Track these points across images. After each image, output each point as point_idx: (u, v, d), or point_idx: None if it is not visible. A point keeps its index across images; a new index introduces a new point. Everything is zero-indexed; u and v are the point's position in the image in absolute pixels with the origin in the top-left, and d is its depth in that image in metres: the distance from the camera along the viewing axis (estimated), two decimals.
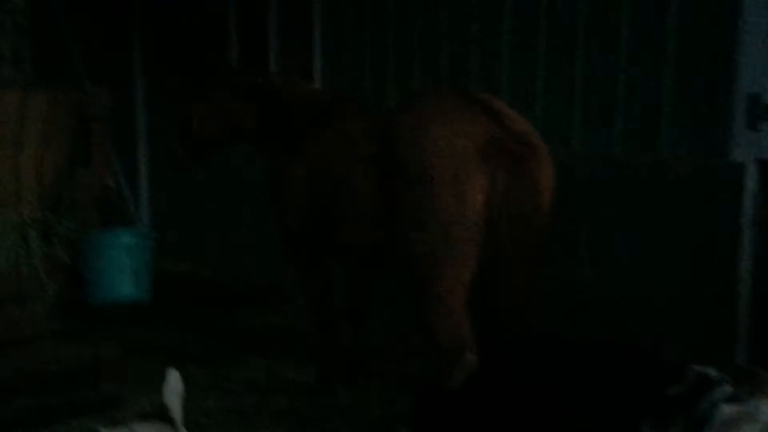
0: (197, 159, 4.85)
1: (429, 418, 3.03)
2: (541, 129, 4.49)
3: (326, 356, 4.43)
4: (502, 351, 2.86)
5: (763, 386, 1.86)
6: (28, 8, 5.95)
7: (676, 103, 4.01)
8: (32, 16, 6.07)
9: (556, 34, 4.48)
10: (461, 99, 3.52)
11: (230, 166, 6.49)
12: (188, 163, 4.85)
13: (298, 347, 4.91)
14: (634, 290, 4.13)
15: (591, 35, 4.32)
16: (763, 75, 3.70)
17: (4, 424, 3.95)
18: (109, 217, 6.96)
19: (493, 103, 3.52)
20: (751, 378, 1.89)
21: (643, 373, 2.22)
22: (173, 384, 2.44)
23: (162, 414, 2.37)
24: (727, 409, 1.81)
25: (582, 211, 4.31)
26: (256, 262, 6.66)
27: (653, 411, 1.98)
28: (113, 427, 2.28)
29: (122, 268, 6.09)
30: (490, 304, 3.44)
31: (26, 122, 5.26)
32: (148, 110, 8.32)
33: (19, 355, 4.90)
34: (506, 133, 3.37)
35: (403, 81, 5.42)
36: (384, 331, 4.98)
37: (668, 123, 4.03)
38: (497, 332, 3.41)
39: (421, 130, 3.42)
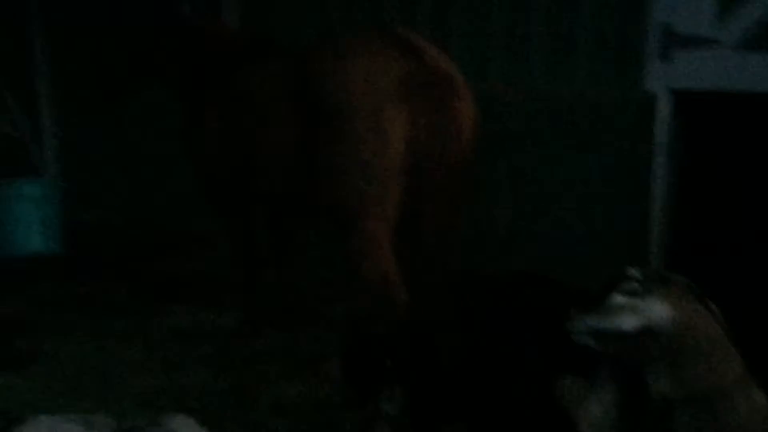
0: (113, 98, 4.65)
1: (359, 356, 3.04)
2: (460, 65, 4.50)
3: (251, 301, 4.38)
4: (429, 289, 2.88)
5: (667, 287, 1.96)
6: None
7: (591, 36, 4.04)
8: None
9: None
10: (380, 36, 3.45)
11: (145, 111, 6.23)
12: (112, 95, 4.64)
13: (223, 294, 4.84)
14: (553, 222, 4.22)
15: None
16: (674, 4, 3.76)
17: None
18: (13, 167, 6.62)
19: (413, 39, 3.46)
20: (661, 281, 1.99)
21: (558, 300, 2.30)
22: None
23: None
24: (618, 298, 1.95)
25: (502, 145, 4.35)
26: (174, 209, 6.48)
27: (577, 298, 2.07)
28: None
29: (29, 219, 5.83)
30: (415, 242, 3.45)
31: None
32: (49, 52, 7.85)
33: None
34: (427, 69, 3.33)
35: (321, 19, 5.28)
36: (310, 274, 4.96)
37: (584, 55, 4.08)
38: (423, 271, 3.42)
39: (339, 67, 3.34)
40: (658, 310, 1.93)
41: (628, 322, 1.92)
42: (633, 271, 2.05)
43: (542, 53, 4.23)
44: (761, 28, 3.69)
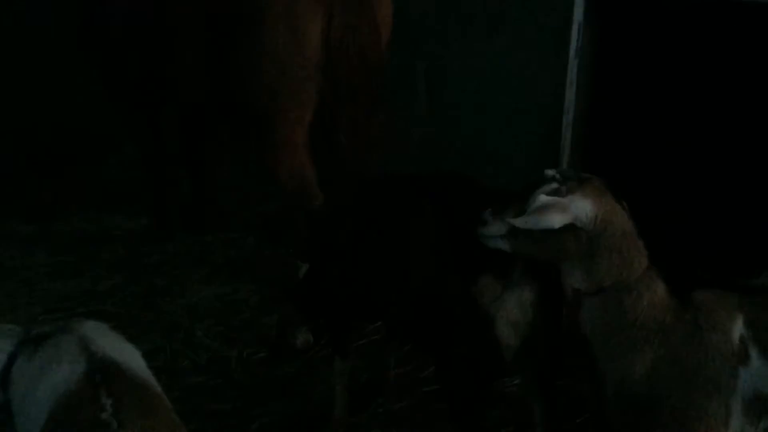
0: None
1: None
2: None
3: (162, 203, 4.28)
4: (346, 190, 2.87)
5: (586, 186, 2.02)
6: None
7: None
8: None
9: None
10: None
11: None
12: None
13: (133, 198, 4.71)
14: (464, 122, 4.24)
15: None
16: None
17: None
18: None
19: None
20: (580, 180, 2.05)
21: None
22: None
23: None
24: (543, 198, 2.00)
25: (418, 44, 4.29)
26: (81, 109, 6.18)
27: (494, 204, 2.11)
28: None
29: None
30: (331, 144, 3.41)
31: None
32: None
33: None
34: None
35: None
36: (222, 177, 4.87)
37: None
38: (339, 174, 3.40)
39: None
40: (582, 206, 1.98)
41: (556, 219, 1.96)
42: (552, 172, 2.09)
43: None
44: None
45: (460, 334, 2.27)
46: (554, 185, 2.07)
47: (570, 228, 2.02)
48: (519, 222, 2.03)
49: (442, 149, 4.31)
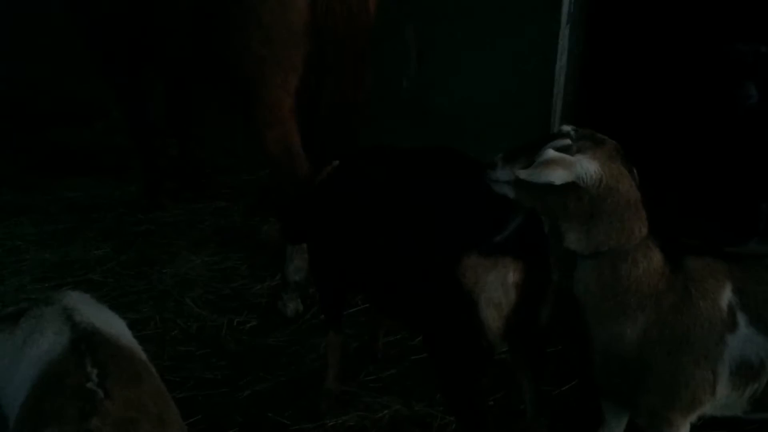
0: None
1: None
2: None
3: (150, 171, 4.24)
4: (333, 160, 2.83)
5: (598, 148, 2.00)
6: None
7: None
8: None
9: None
10: None
11: None
12: None
13: (121, 165, 4.67)
14: (457, 89, 4.20)
15: None
16: None
17: None
18: None
19: None
20: (593, 140, 2.02)
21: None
22: None
23: None
24: (551, 153, 1.97)
25: (409, 10, 4.23)
26: (66, 75, 6.10)
27: (506, 151, 2.09)
28: None
29: None
30: (319, 110, 3.37)
31: None
32: None
33: None
34: None
35: None
36: (211, 145, 4.83)
37: None
38: (327, 142, 3.36)
39: None
40: (587, 167, 1.95)
41: (558, 176, 1.94)
42: (567, 129, 2.06)
43: None
44: None
45: (444, 316, 2.26)
46: (566, 141, 2.04)
47: (572, 187, 1.99)
48: (523, 173, 2.00)
49: (431, 112, 4.27)
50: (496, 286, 2.19)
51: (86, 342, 1.75)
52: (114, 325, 1.88)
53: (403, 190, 2.39)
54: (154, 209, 4.18)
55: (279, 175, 3.26)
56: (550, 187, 1.98)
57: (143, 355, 1.87)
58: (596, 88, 4.57)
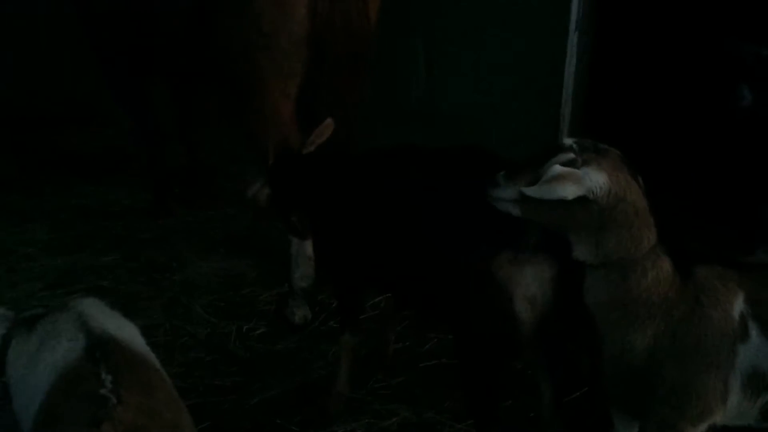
0: None
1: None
2: None
3: (160, 178, 4.26)
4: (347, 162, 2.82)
5: (603, 159, 2.00)
6: None
7: None
8: None
9: None
10: None
11: None
12: None
13: (132, 172, 4.69)
14: (465, 97, 4.21)
15: None
16: None
17: None
18: None
19: None
20: (597, 151, 2.02)
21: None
22: None
23: None
24: (557, 168, 1.97)
25: (416, 21, 4.25)
26: (71, 80, 6.13)
27: (508, 167, 2.09)
28: None
29: None
30: (318, 116, 3.37)
31: None
32: None
33: None
34: None
35: None
36: (220, 152, 4.85)
37: None
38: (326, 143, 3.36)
39: None
40: (595, 179, 1.95)
41: (568, 191, 1.93)
42: (570, 141, 2.06)
43: None
44: None
45: (478, 310, 2.26)
46: (570, 155, 2.04)
47: (582, 200, 1.99)
48: (531, 191, 2.00)
49: (441, 120, 4.28)
50: (531, 281, 2.19)
51: (100, 348, 1.76)
52: (127, 332, 1.90)
53: (437, 188, 2.38)
54: (164, 216, 4.20)
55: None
56: (559, 202, 1.98)
57: (156, 362, 1.88)
58: (604, 94, 4.57)
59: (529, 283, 2.20)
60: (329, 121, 2.89)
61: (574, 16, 3.88)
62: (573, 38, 3.92)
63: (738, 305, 2.04)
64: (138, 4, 3.55)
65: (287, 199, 2.99)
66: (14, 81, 6.29)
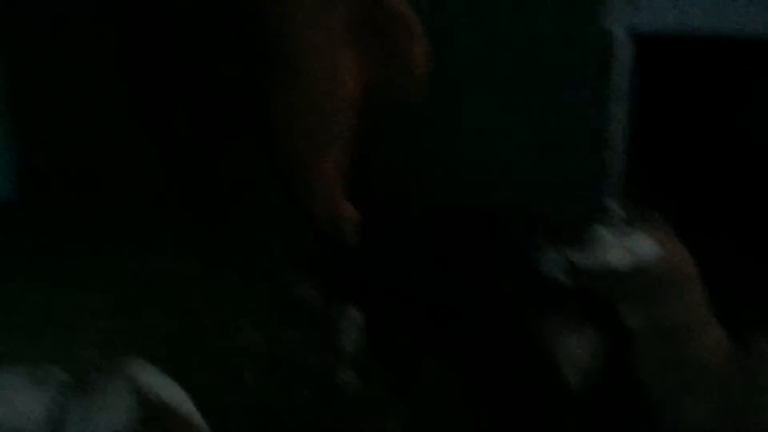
0: None
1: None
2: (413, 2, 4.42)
3: (212, 243, 4.34)
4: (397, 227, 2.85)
5: (650, 225, 1.98)
6: None
7: None
8: None
9: None
10: None
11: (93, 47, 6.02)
12: None
13: (180, 238, 4.78)
14: (506, 163, 4.24)
15: None
16: None
17: None
18: None
19: None
20: (644, 217, 2.01)
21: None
22: None
23: None
24: (603, 233, 1.96)
25: (461, 82, 4.32)
26: (130, 151, 6.33)
27: (553, 232, 2.08)
28: None
29: None
30: (363, 179, 3.42)
31: None
32: None
33: None
34: (376, 6, 3.27)
35: None
36: (267, 216, 4.93)
37: None
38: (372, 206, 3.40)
39: (283, 7, 3.25)
40: (645, 246, 1.95)
41: (617, 258, 1.93)
42: (615, 207, 2.06)
43: None
44: None
45: (522, 373, 2.24)
46: (616, 221, 2.04)
47: (633, 267, 1.98)
48: (577, 258, 2.00)
49: (478, 183, 4.31)
50: (578, 346, 2.17)
51: (152, 414, 1.78)
52: (178, 397, 1.92)
53: (481, 248, 2.40)
54: (215, 280, 4.26)
55: (329, 243, 3.31)
56: (607, 269, 1.97)
57: (206, 429, 1.90)
58: (648, 161, 4.55)
59: (575, 348, 2.17)
60: None
61: (620, 83, 3.90)
62: (619, 105, 3.93)
63: None
64: (193, 80, 3.68)
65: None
66: (75, 148, 6.54)
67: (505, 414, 2.34)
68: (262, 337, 3.77)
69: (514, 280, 2.21)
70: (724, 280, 2.53)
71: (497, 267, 2.31)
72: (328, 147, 3.27)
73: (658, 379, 2.03)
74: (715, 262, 2.65)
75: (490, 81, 4.22)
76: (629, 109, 4.00)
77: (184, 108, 3.89)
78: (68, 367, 2.74)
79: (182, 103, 3.89)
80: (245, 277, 4.32)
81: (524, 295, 2.17)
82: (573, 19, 3.93)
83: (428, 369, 3.24)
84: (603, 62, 3.84)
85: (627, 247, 1.95)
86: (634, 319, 2.03)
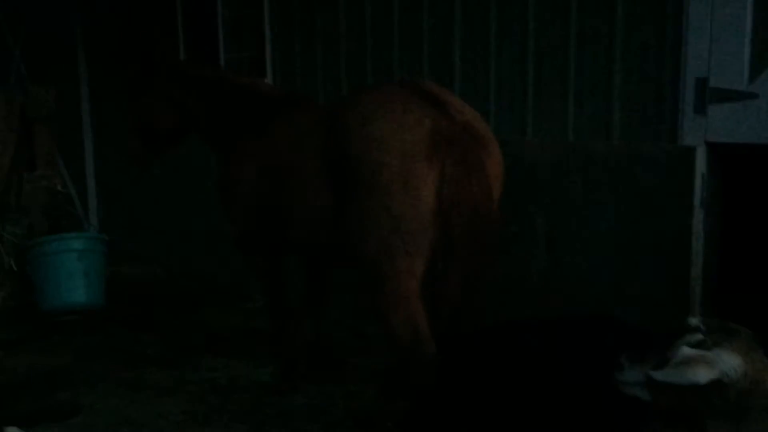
0: (151, 153, 4.80)
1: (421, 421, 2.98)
2: (495, 119, 4.54)
3: (287, 354, 4.38)
4: (465, 344, 2.85)
5: (734, 340, 1.91)
6: None
7: (626, 89, 4.05)
8: None
9: (507, 29, 4.49)
10: (406, 92, 3.48)
11: (180, 161, 6.38)
12: (143, 158, 4.80)
13: (259, 347, 4.86)
14: (588, 274, 4.18)
15: (541, 28, 4.34)
16: (710, 59, 3.76)
17: None
18: (57, 221, 6.79)
19: (439, 93, 3.49)
20: (726, 331, 1.94)
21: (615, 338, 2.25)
22: None
23: None
24: (687, 351, 1.89)
25: (538, 197, 4.35)
26: (212, 260, 6.57)
27: (634, 347, 2.02)
28: None
29: (73, 273, 5.92)
30: (441, 292, 3.42)
31: None
32: (94, 109, 8.14)
33: None
34: (453, 123, 3.36)
35: (356, 71, 5.39)
36: (341, 325, 4.97)
37: (619, 109, 4.08)
38: (449, 321, 3.39)
39: (367, 128, 3.37)
40: (729, 362, 1.87)
41: (700, 375, 1.86)
42: (696, 322, 2.00)
43: (577, 107, 4.25)
44: None
45: None
46: (698, 336, 1.98)
47: (716, 384, 1.91)
48: (660, 375, 1.93)
49: (558, 298, 4.25)
50: None
51: None
52: None
53: (561, 359, 2.36)
54: (289, 391, 4.28)
55: (407, 358, 3.30)
56: (691, 387, 1.91)
57: None
58: (734, 273, 4.42)
59: None
60: None
61: (698, 194, 3.86)
62: (699, 216, 3.88)
63: None
64: (280, 190, 3.85)
65: None
66: (164, 262, 6.83)
67: None
68: None
69: (601, 400, 2.15)
70: None
71: (590, 380, 2.25)
72: (406, 256, 3.29)
73: None
74: None
75: (569, 199, 4.23)
76: (711, 221, 3.94)
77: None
78: None
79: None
80: (321, 389, 4.33)
81: (610, 414, 2.11)
82: (648, 133, 3.94)
83: None
84: (682, 174, 3.81)
85: (710, 362, 1.88)
86: None
